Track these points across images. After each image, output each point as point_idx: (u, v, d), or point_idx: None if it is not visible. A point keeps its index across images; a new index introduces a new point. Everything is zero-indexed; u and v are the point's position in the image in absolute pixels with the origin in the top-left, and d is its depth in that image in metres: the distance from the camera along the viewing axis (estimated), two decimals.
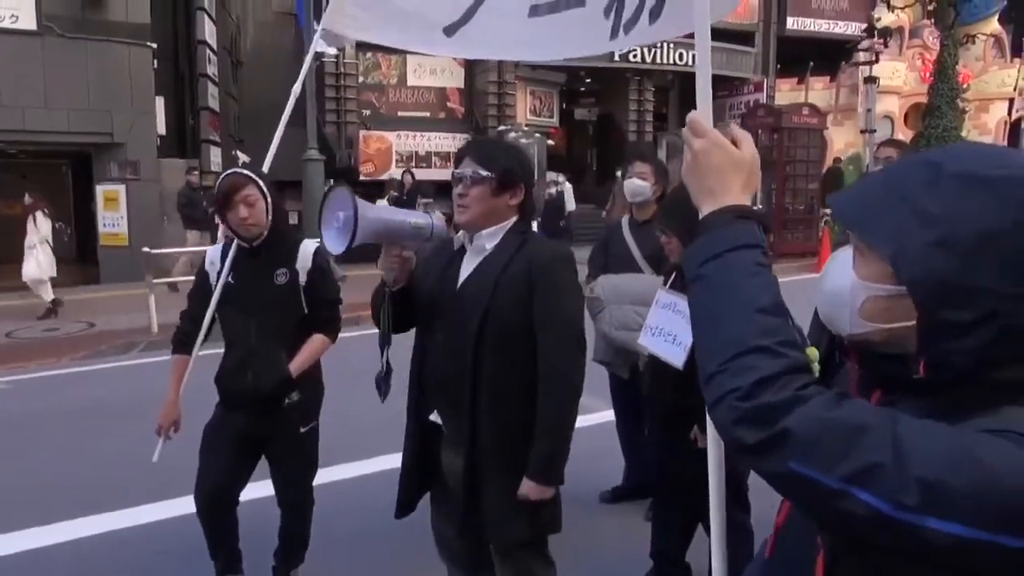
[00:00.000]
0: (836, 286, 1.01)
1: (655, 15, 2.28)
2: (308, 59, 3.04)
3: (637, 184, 3.78)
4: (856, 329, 0.99)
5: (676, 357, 2.70)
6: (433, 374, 2.28)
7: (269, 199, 2.78)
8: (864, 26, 19.25)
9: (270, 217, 2.79)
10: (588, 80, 21.59)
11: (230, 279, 2.85)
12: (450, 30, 2.70)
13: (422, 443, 2.35)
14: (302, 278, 2.86)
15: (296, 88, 2.99)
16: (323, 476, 4.19)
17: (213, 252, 2.99)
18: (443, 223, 2.19)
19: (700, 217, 1.11)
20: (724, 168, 1.13)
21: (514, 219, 2.25)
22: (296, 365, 2.85)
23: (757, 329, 0.97)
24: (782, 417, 0.89)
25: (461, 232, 2.29)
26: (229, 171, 2.86)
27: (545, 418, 2.17)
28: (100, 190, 13.28)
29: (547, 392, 2.17)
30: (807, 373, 0.95)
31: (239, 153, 17.10)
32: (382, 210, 2.17)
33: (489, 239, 2.23)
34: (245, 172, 2.81)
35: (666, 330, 2.77)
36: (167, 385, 2.96)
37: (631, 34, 2.34)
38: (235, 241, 2.85)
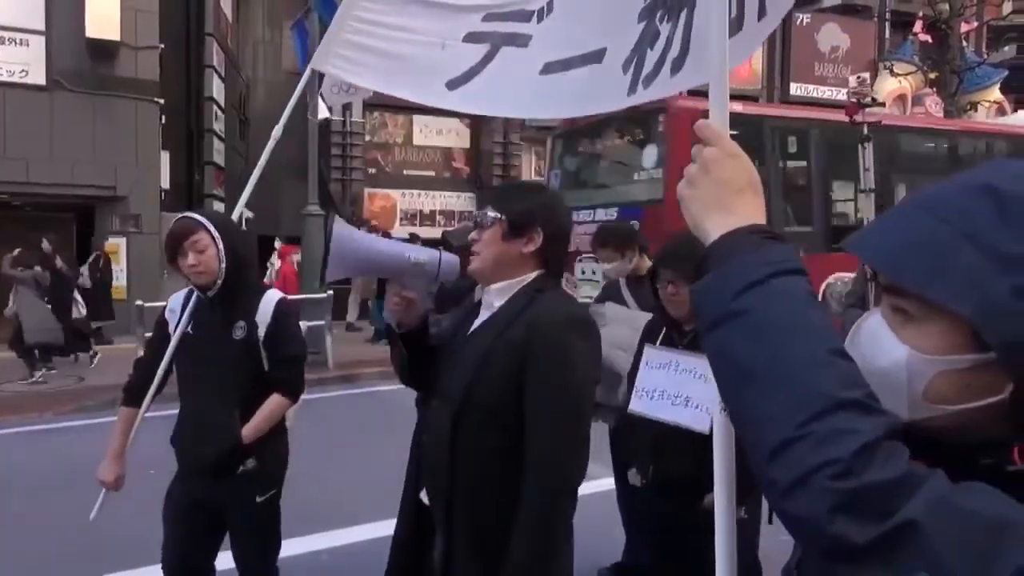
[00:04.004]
0: (882, 365, 0.75)
1: (677, 67, 2.14)
2: (291, 104, 2.88)
3: (607, 269, 4.01)
4: (916, 415, 0.74)
5: (699, 421, 2.43)
6: (425, 447, 2.00)
7: (221, 245, 2.56)
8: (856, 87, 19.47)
9: (223, 265, 2.56)
10: None
11: (189, 330, 2.64)
12: (453, 84, 2.58)
13: (415, 525, 2.07)
14: (261, 332, 2.61)
15: (276, 131, 2.84)
16: (306, 544, 3.94)
17: (174, 300, 2.78)
18: (454, 263, 1.92)
19: (713, 239, 0.86)
20: (741, 182, 0.90)
21: (534, 274, 1.91)
22: (249, 431, 2.57)
23: (840, 377, 0.70)
24: (902, 503, 0.63)
25: (480, 285, 2.02)
26: (180, 215, 2.67)
27: (528, 517, 1.75)
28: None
29: (533, 487, 1.76)
30: (902, 440, 0.68)
31: (244, 209, 17.10)
32: (374, 241, 1.95)
33: (498, 296, 1.91)
34: (195, 217, 2.62)
35: (670, 392, 2.53)
36: (139, 442, 2.75)
37: (651, 88, 2.18)
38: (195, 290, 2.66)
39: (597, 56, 2.29)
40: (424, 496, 2.01)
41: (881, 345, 0.77)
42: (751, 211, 0.88)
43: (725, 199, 0.88)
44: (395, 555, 2.12)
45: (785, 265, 0.78)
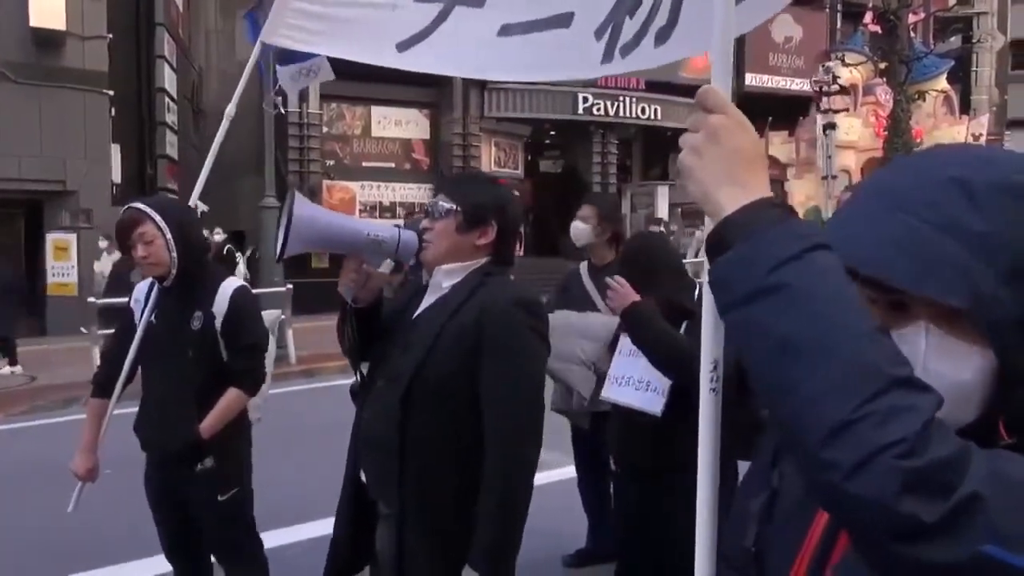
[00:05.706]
0: (966, 378, 0.75)
1: (662, 38, 2.10)
2: (242, 82, 2.81)
3: (577, 227, 3.71)
4: (980, 412, 0.76)
5: (653, 404, 2.50)
6: (365, 428, 1.98)
7: (169, 235, 2.50)
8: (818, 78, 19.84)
9: (174, 254, 2.51)
10: (552, 132, 21.79)
11: (153, 319, 2.60)
12: (403, 46, 2.53)
13: (357, 509, 2.03)
14: (218, 322, 2.57)
15: (229, 110, 2.78)
16: (270, 540, 3.90)
17: (139, 289, 2.73)
18: (413, 240, 1.91)
19: (728, 212, 0.80)
20: (752, 153, 0.84)
21: (484, 259, 1.96)
22: (207, 426, 2.53)
23: (889, 353, 0.68)
24: (963, 476, 0.63)
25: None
26: (126, 206, 2.61)
27: (491, 501, 1.79)
28: (50, 239, 12.92)
29: (494, 472, 1.81)
30: None
31: (198, 203, 16.79)
32: (332, 215, 1.93)
33: (447, 277, 1.94)
34: (140, 207, 2.54)
35: (635, 378, 2.58)
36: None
37: (629, 58, 2.15)
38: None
39: (564, 20, 2.24)
40: (363, 475, 2.00)
41: (957, 357, 0.75)
42: (762, 184, 0.82)
43: (737, 170, 0.82)
44: (335, 547, 2.07)
45: (816, 239, 0.74)
